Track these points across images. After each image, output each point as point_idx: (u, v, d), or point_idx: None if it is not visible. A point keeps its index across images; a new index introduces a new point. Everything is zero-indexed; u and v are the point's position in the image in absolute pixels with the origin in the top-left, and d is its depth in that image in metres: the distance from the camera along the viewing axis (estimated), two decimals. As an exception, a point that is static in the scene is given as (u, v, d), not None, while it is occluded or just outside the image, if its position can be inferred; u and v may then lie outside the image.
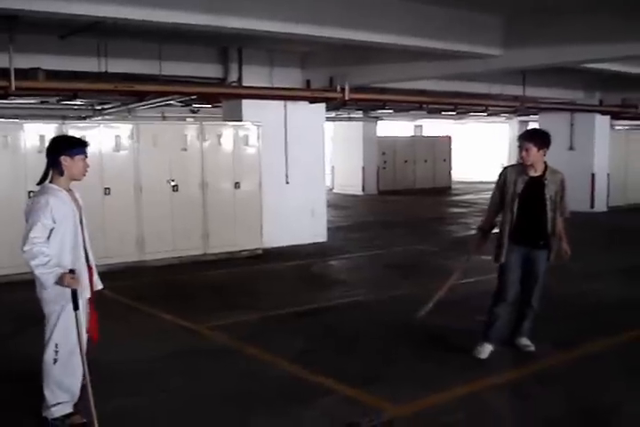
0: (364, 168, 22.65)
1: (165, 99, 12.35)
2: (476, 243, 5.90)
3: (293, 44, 10.23)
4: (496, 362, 5.43)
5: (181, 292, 8.23)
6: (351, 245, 11.93)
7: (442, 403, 4.62)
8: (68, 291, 3.91)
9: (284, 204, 11.40)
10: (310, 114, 11.65)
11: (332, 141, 24.28)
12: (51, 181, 4.11)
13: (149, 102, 13.01)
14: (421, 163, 24.24)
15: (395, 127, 28.81)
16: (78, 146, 4.17)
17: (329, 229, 13.60)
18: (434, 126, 30.22)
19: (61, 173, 4.08)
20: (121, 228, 9.44)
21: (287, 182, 11.60)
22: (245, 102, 10.92)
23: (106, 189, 9.22)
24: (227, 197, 10.44)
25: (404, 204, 20.08)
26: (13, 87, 7.96)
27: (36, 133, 8.75)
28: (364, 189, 22.71)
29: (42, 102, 12.41)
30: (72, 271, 3.90)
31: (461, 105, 13.84)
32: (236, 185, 10.50)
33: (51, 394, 4.17)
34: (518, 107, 13.68)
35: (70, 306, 3.97)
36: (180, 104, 14.09)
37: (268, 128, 10.88)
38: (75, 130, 8.98)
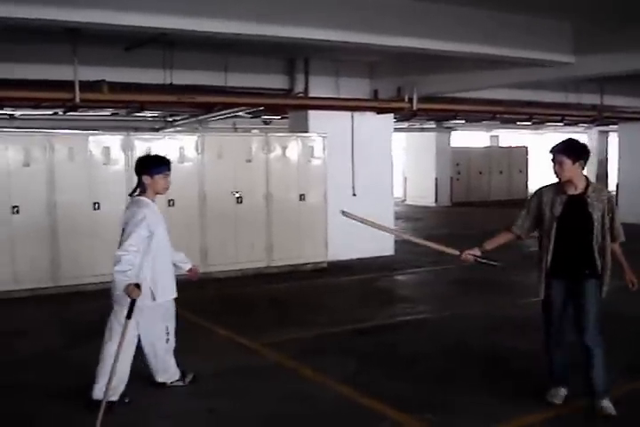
0: (436, 179, 22.24)
1: (233, 110, 12.45)
2: (467, 251, 4.89)
3: (359, 53, 10.06)
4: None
5: (241, 306, 8.12)
6: (419, 258, 11.59)
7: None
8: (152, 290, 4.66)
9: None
10: (378, 124, 11.44)
11: (404, 152, 24.04)
12: (140, 194, 4.75)
13: (218, 114, 13.14)
14: (496, 174, 23.64)
15: (469, 138, 28.26)
16: (157, 165, 4.75)
17: (398, 242, 13.35)
18: (510, 137, 29.48)
19: (144, 190, 4.73)
20: (185, 239, 9.39)
21: (354, 194, 11.38)
22: (312, 113, 10.81)
23: (170, 200, 9.22)
24: (291, 208, 10.32)
25: (477, 216, 19.57)
26: (78, 99, 8.06)
27: (101, 145, 8.89)
28: (436, 201, 22.28)
29: (113, 114, 12.60)
30: (137, 286, 4.44)
31: (535, 115, 13.34)
32: (301, 197, 10.37)
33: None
34: (596, 116, 13.12)
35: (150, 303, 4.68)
36: (249, 116, 14.14)
37: (334, 139, 10.73)
38: (140, 141, 9.09)
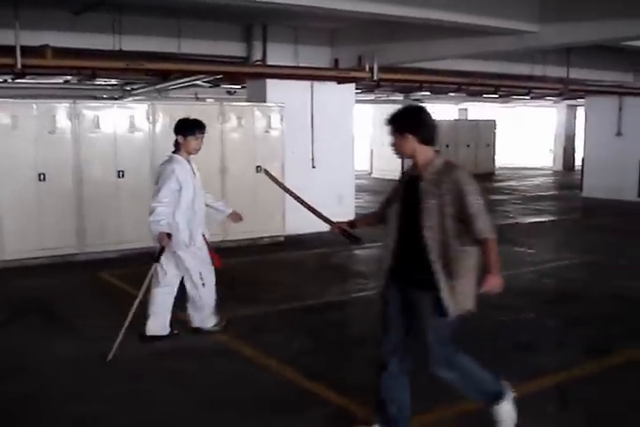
0: (404, 153, 21.91)
1: (191, 79, 12.03)
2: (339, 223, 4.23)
3: (318, 19, 9.71)
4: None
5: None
6: (378, 233, 11.35)
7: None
8: (182, 238, 5.28)
9: (309, 189, 10.51)
10: (339, 95, 11.11)
11: (371, 125, 23.71)
12: (174, 152, 5.35)
13: (175, 83, 12.71)
14: (464, 147, 23.43)
15: (438, 110, 27.99)
16: (190, 127, 5.30)
17: (359, 215, 13.15)
18: (479, 110, 29.29)
19: (178, 149, 5.35)
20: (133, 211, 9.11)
21: (313, 167, 11.10)
22: (270, 83, 10.44)
23: (119, 172, 8.87)
24: (247, 181, 10.00)
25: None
26: (19, 65, 7.62)
27: (48, 113, 8.48)
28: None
29: (65, 82, 12.09)
30: (168, 235, 5.15)
31: (501, 87, 13.07)
32: (258, 169, 10.04)
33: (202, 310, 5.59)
34: (562, 89, 12.90)
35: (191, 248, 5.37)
36: (208, 85, 13.70)
37: (293, 110, 10.40)
38: (87, 110, 8.68)
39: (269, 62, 10.29)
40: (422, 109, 3.60)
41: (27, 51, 7.88)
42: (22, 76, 10.04)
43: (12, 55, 7.61)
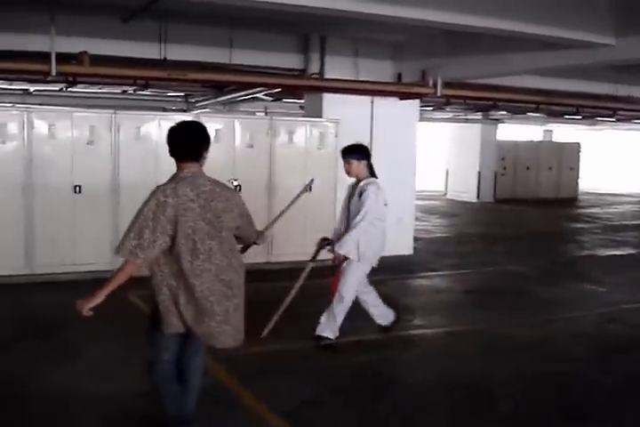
0: (479, 173, 20.96)
1: (248, 92, 11.59)
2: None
3: (381, 31, 9.08)
4: None
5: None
6: (439, 261, 10.58)
7: None
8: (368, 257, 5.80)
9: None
10: (401, 112, 10.38)
11: (448, 144, 22.86)
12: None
13: (236, 95, 12.32)
14: (545, 170, 22.23)
15: (522, 132, 26.85)
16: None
17: (423, 239, 12.38)
18: (565, 132, 27.92)
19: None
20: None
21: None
22: (327, 97, 9.85)
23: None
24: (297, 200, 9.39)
25: (519, 215, 18.33)
26: (54, 72, 7.28)
27: (87, 124, 8.18)
28: (478, 197, 21.02)
29: (123, 92, 11.85)
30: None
31: (580, 106, 12.08)
32: (307, 187, 9.43)
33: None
34: (649, 111, 11.81)
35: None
36: (270, 99, 13.27)
37: (350, 126, 9.73)
38: (128, 121, 8.32)
39: (327, 76, 9.71)
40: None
41: (64, 58, 7.56)
42: (73, 84, 9.86)
43: (46, 62, 7.27)
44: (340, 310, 5.79)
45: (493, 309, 7.46)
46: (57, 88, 11.41)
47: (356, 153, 5.82)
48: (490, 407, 4.55)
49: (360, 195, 5.66)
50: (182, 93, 13.22)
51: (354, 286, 5.84)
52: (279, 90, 11.14)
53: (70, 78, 9.12)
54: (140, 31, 8.39)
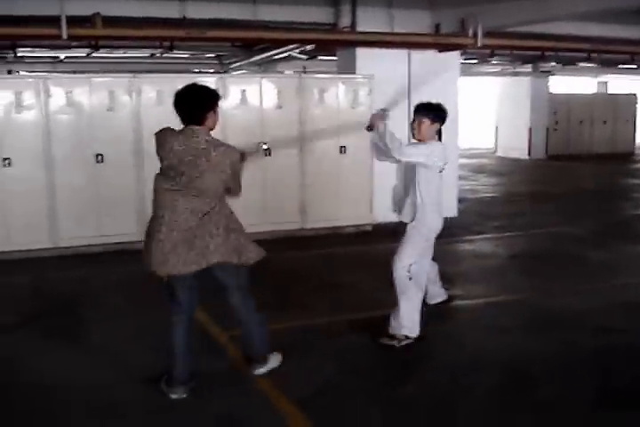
0: (531, 129, 20.03)
1: (281, 50, 11.07)
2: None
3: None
4: None
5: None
6: (484, 223, 10.00)
7: None
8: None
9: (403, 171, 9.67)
10: (441, 65, 9.71)
11: (497, 99, 21.93)
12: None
13: (268, 55, 11.80)
14: (600, 124, 21.13)
15: (575, 84, 25.60)
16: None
17: (469, 200, 11.81)
18: (621, 84, 26.50)
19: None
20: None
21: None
22: (360, 52, 9.27)
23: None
24: (330, 163, 8.94)
25: (572, 171, 17.47)
26: (65, 35, 6.89)
27: (107, 90, 7.81)
28: (529, 153, 20.12)
29: (151, 56, 11.43)
30: None
31: (635, 54, 11.17)
32: (342, 150, 8.95)
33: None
34: None
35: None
36: (304, 57, 12.68)
37: (386, 82, 9.11)
38: (149, 85, 7.91)
39: (360, 29, 9.11)
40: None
41: (78, 20, 7.16)
42: (96, 48, 9.50)
43: (57, 25, 6.88)
44: (405, 296, 4.83)
45: (539, 275, 6.91)
46: (84, 54, 11.04)
47: (433, 112, 4.88)
48: (527, 391, 4.08)
49: None
50: (213, 55, 12.71)
51: (409, 257, 4.85)
52: (311, 47, 10.60)
53: (87, 42, 8.79)
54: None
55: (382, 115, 4.71)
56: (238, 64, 13.75)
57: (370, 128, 4.72)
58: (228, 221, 3.94)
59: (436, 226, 4.95)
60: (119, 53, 11.30)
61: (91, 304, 6.05)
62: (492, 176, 16.07)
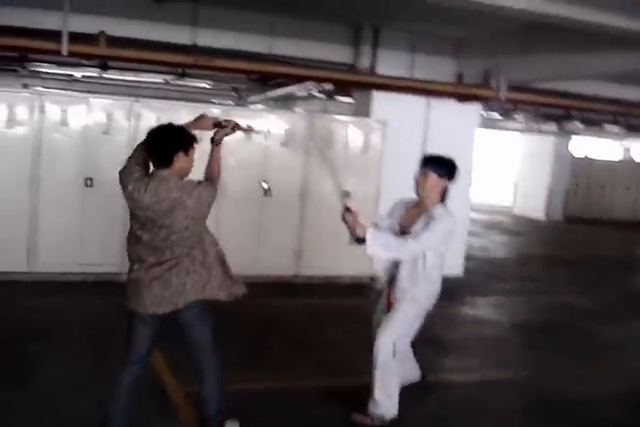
0: (550, 190, 19.51)
1: (298, 87, 10.69)
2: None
3: (441, 24, 8.08)
4: None
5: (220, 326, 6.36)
6: (491, 285, 9.43)
7: None
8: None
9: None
10: (460, 116, 9.29)
11: (519, 156, 21.49)
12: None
13: (286, 91, 11.44)
14: (622, 190, 20.57)
15: (598, 147, 25.08)
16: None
17: (477, 258, 11.24)
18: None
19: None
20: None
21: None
22: (377, 95, 8.86)
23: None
24: (331, 207, 8.41)
25: (589, 236, 16.87)
26: (65, 51, 6.53)
27: (104, 112, 7.44)
28: (547, 215, 19.57)
29: (166, 82, 11.10)
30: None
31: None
32: (345, 195, 8.45)
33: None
34: None
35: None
36: (322, 97, 12.33)
37: (401, 128, 8.75)
38: (149, 110, 7.53)
39: (379, 71, 8.73)
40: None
41: (79, 37, 6.81)
42: (104, 68, 9.18)
43: (57, 40, 6.53)
44: (384, 373, 4.22)
45: (542, 351, 6.32)
46: (97, 74, 10.73)
47: (444, 168, 4.27)
48: None
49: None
50: (230, 87, 12.37)
51: (397, 331, 4.26)
52: (329, 86, 10.22)
53: (98, 62, 8.48)
54: (170, 13, 7.60)
55: (352, 213, 4.11)
56: (256, 99, 13.43)
57: (358, 240, 4.02)
58: (206, 254, 3.67)
59: (436, 295, 4.35)
60: (131, 77, 10.98)
61: (51, 339, 5.54)
62: (505, 234, 15.51)
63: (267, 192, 8.13)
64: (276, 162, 8.16)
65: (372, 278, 8.64)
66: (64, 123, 7.31)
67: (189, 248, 3.61)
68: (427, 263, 4.19)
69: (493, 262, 11.41)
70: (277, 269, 8.34)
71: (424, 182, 4.31)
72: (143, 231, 3.56)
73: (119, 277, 7.49)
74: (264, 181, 8.05)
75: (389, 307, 4.35)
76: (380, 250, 4.00)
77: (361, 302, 7.62)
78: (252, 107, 13.25)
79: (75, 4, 6.82)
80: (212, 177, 3.77)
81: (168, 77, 10.75)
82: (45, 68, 10.61)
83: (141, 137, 7.12)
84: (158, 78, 11.04)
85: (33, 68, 10.65)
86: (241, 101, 14.17)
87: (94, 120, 7.42)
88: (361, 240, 3.99)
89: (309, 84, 10.02)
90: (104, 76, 10.84)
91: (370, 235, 3.98)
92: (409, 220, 4.33)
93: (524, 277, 10.23)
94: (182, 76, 9.52)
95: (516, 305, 8.39)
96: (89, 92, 10.28)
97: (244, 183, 8.00)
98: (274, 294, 7.67)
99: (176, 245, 3.56)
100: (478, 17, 7.28)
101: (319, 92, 11.41)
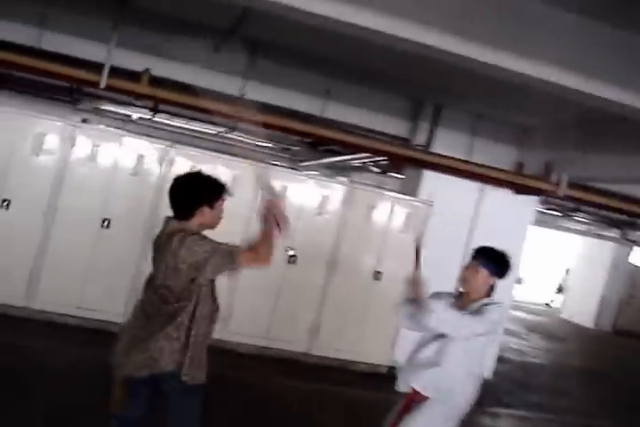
0: (602, 298, 18.44)
1: (350, 158, 10.31)
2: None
3: (506, 109, 7.62)
4: None
5: (211, 409, 5.73)
6: (519, 395, 8.56)
7: None
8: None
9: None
10: (514, 208, 8.67)
11: (575, 258, 20.58)
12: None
13: (338, 159, 11.08)
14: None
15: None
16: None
17: (510, 362, 10.40)
18: None
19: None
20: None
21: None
22: (427, 175, 8.35)
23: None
24: (359, 287, 7.86)
25: (638, 353, 15.70)
26: (103, 84, 6.26)
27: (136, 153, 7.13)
28: (596, 324, 18.43)
29: (217, 134, 10.83)
30: None
31: None
32: (376, 276, 7.88)
33: None
34: None
35: None
36: (377, 170, 11.92)
37: (448, 212, 8.18)
38: (183, 157, 7.17)
39: (435, 150, 8.25)
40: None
41: (120, 72, 6.58)
42: (154, 111, 8.98)
43: (98, 72, 6.27)
44: None
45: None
46: (150, 117, 10.55)
47: (496, 264, 3.89)
48: None
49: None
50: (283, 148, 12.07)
51: None
52: (383, 160, 9.79)
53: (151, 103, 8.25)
54: (225, 63, 7.32)
55: (417, 276, 3.67)
56: (308, 164, 13.11)
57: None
58: (190, 325, 3.29)
59: (470, 401, 3.76)
60: (182, 123, 10.76)
61: (15, 395, 4.99)
62: (546, 339, 14.52)
63: (292, 259, 7.60)
64: (309, 228, 7.63)
65: (392, 368, 7.95)
66: (92, 158, 7.00)
67: (177, 311, 3.29)
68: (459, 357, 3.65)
69: (528, 369, 10.50)
70: (288, 343, 7.71)
71: (473, 277, 3.88)
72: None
73: (110, 327, 7.03)
74: (289, 247, 7.53)
75: (409, 406, 3.72)
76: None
77: (367, 395, 6.96)
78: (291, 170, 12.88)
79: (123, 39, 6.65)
80: (255, 249, 3.31)
81: (220, 129, 10.50)
82: (101, 105, 10.54)
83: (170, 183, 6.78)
84: (209, 128, 10.83)
85: (91, 104, 10.58)
86: (293, 164, 13.88)
87: (124, 160, 7.10)
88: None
89: (361, 155, 9.62)
90: (156, 119, 10.70)
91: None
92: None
93: (557, 391, 9.31)
94: (232, 129, 9.22)
95: (541, 423, 7.52)
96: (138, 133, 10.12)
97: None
98: (277, 372, 7.04)
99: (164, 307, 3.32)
100: (545, 104, 6.84)
101: (373, 165, 11.04)
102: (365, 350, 7.93)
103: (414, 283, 3.63)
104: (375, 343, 7.95)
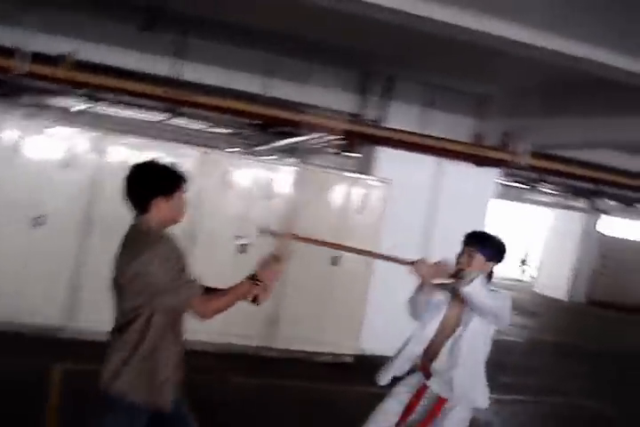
0: (575, 269, 18.26)
1: (302, 139, 9.80)
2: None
3: (463, 77, 7.22)
4: None
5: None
6: (492, 377, 8.18)
7: None
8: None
9: (406, 296, 8.09)
10: (474, 181, 8.31)
11: (545, 231, 20.42)
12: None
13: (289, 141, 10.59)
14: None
15: (631, 227, 23.84)
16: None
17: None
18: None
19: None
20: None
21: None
22: (381, 152, 7.94)
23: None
24: (317, 274, 7.43)
25: (615, 324, 15.51)
26: (27, 68, 5.73)
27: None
28: (570, 295, 18.26)
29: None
30: None
31: None
32: (335, 260, 7.44)
33: None
34: None
35: None
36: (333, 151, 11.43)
37: (406, 190, 7.78)
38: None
39: (388, 125, 7.82)
40: None
41: (44, 58, 6.03)
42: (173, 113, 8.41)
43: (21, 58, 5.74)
44: None
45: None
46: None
47: (493, 249, 3.71)
48: None
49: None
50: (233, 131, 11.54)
51: None
52: (338, 140, 9.32)
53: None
54: (155, 42, 6.80)
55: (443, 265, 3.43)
56: (262, 148, 12.58)
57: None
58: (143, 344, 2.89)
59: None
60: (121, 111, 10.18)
61: None
62: (519, 315, 14.21)
63: (242, 248, 7.14)
64: (257, 214, 7.16)
65: (355, 357, 7.57)
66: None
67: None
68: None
69: (499, 348, 10.11)
70: (245, 337, 7.27)
71: (469, 262, 3.66)
72: None
73: (58, 333, 6.54)
74: (240, 236, 7.06)
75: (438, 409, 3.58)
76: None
77: (332, 388, 6.56)
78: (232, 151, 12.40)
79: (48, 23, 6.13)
80: (211, 302, 2.95)
81: (164, 116, 9.93)
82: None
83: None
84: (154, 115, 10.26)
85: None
86: (247, 148, 13.36)
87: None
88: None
89: (313, 135, 9.14)
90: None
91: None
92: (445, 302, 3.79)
93: (531, 369, 9.00)
94: (170, 112, 8.68)
95: (515, 405, 7.18)
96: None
97: (217, 236, 7.04)
98: (233, 369, 6.62)
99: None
100: (506, 71, 6.46)
101: (326, 145, 10.55)
102: (328, 339, 7.54)
103: (433, 268, 3.43)
104: (338, 332, 7.55)
